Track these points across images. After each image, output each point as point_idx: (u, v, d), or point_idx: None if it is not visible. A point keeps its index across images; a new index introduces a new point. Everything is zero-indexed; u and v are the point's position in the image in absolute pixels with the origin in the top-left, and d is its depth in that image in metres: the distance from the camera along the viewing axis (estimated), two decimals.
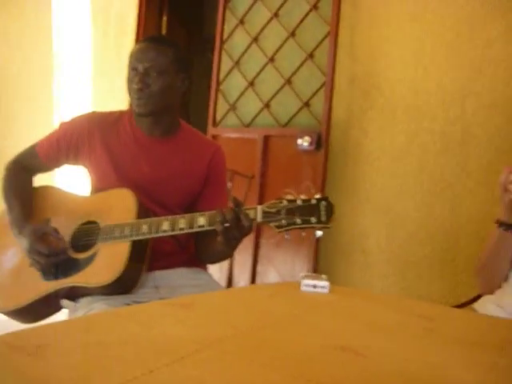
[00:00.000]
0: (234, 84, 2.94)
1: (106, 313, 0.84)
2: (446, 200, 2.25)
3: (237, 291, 1.26)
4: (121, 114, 1.64)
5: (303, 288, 1.11)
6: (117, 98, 3.71)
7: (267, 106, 2.76)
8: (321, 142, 2.47)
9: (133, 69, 1.51)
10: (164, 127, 1.58)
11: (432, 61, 2.30)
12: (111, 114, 1.63)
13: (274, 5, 2.74)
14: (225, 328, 0.78)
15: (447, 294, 2.22)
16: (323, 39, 2.52)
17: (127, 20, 3.75)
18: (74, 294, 1.46)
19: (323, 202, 1.27)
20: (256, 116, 2.81)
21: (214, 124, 2.99)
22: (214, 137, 2.97)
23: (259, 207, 1.30)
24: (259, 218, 1.28)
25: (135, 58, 1.51)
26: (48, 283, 1.46)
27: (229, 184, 2.20)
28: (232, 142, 2.88)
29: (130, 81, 1.52)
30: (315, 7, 2.56)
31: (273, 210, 1.28)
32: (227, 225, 1.28)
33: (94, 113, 1.63)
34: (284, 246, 2.61)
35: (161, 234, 1.39)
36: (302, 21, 2.62)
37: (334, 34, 2.45)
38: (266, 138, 2.72)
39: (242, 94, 2.88)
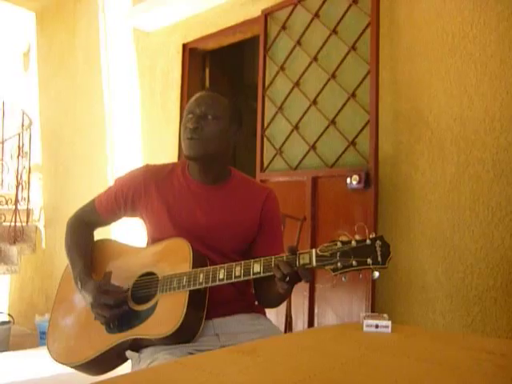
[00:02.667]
0: (278, 128, 3.00)
1: (171, 363, 0.85)
2: (506, 229, 2.18)
3: (298, 335, 1.25)
4: (174, 165, 1.70)
5: (365, 328, 1.10)
6: (166, 151, 3.85)
7: (313, 147, 2.78)
8: (370, 180, 2.46)
9: (189, 112, 1.56)
10: (215, 174, 1.63)
11: (477, 90, 2.28)
12: (165, 166, 1.70)
13: (312, 49, 2.80)
14: (291, 373, 0.78)
15: None
16: (364, 78, 2.54)
17: (172, 75, 3.91)
18: (137, 345, 1.49)
19: (378, 242, 1.26)
20: (303, 158, 2.83)
21: (262, 169, 3.04)
22: (263, 181, 3.01)
23: (313, 251, 1.30)
24: (314, 263, 1.29)
25: (193, 103, 1.57)
26: (112, 336, 1.49)
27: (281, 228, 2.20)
28: (281, 186, 2.91)
29: (184, 125, 1.56)
30: (353, 48, 2.61)
31: (327, 254, 1.28)
32: (287, 279, 1.30)
33: (147, 166, 1.70)
34: (340, 287, 2.58)
35: (218, 283, 1.41)
36: (341, 62, 2.66)
37: (374, 72, 2.47)
38: (315, 180, 2.74)
39: (287, 137, 2.92)
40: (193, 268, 1.46)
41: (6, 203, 4.80)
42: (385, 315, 1.15)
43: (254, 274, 1.36)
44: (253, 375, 0.76)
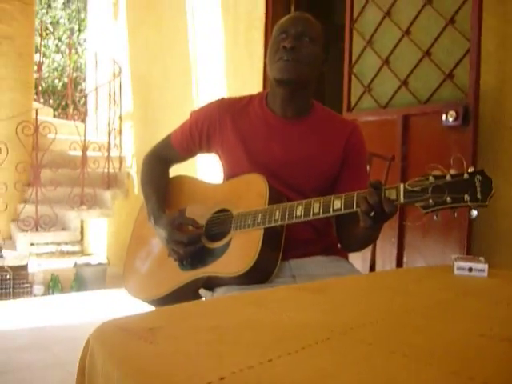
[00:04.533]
0: (367, 64, 2.78)
1: (227, 298, 0.77)
2: None
3: (379, 275, 1.13)
4: (251, 98, 1.59)
5: (457, 271, 0.96)
6: (250, 92, 3.73)
7: (405, 83, 2.55)
8: (468, 116, 2.21)
9: (283, 32, 1.43)
10: (298, 105, 1.50)
11: None
12: (241, 98, 1.60)
13: None
14: (362, 314, 0.67)
15: None
16: (465, 0, 2.25)
17: (256, 14, 3.75)
18: (211, 284, 1.45)
19: (478, 176, 1.08)
20: (394, 95, 2.61)
21: (349, 109, 2.85)
22: None
23: (401, 186, 1.15)
24: (402, 199, 1.14)
25: (288, 22, 1.44)
26: (186, 273, 1.46)
27: (367, 167, 2.05)
28: (369, 126, 2.72)
29: (276, 45, 1.43)
30: None
31: (417, 189, 1.12)
32: (372, 213, 1.16)
33: (223, 99, 1.60)
34: (432, 232, 2.39)
35: (295, 220, 1.31)
36: None
37: None
38: (406, 118, 2.52)
39: (377, 73, 2.71)
40: (269, 205, 1.37)
41: (99, 150, 4.98)
42: (481, 258, 0.99)
43: (334, 210, 1.24)
44: (316, 315, 0.65)
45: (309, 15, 1.48)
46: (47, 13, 9.70)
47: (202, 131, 1.56)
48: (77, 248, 6.46)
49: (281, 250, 1.38)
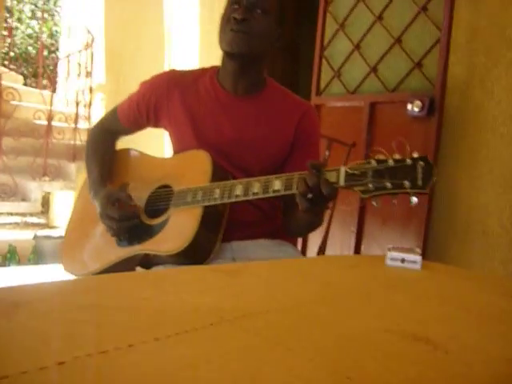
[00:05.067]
0: (339, 49, 2.72)
1: (119, 275, 0.71)
2: None
3: (307, 261, 1.07)
4: (203, 71, 1.51)
5: (388, 262, 0.91)
6: None
7: (374, 70, 2.50)
8: (434, 107, 2.17)
9: (234, 2, 1.33)
10: (250, 82, 1.42)
11: None
12: (192, 72, 1.52)
13: None
14: (266, 301, 0.61)
15: None
16: None
17: None
18: (148, 262, 1.38)
19: (421, 162, 1.04)
20: (362, 81, 2.56)
21: (318, 93, 2.79)
22: (318, 106, 2.77)
23: (342, 168, 1.10)
24: (342, 182, 1.08)
25: None
26: (122, 249, 1.39)
27: (326, 153, 1.99)
28: (336, 111, 2.67)
29: (227, 16, 1.34)
30: None
31: (358, 172, 1.07)
32: (309, 195, 1.10)
33: (173, 71, 1.52)
34: (391, 222, 2.36)
35: (234, 199, 1.24)
36: None
37: None
38: (373, 105, 2.47)
39: (347, 58, 2.65)
40: (210, 183, 1.30)
41: (66, 121, 4.82)
42: (417, 249, 0.94)
43: (274, 191, 1.18)
44: (212, 298, 0.59)
45: None
46: None
47: (149, 104, 1.48)
48: (42, 220, 6.33)
49: (221, 230, 1.32)
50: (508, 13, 2.08)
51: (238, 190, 1.24)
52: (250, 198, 1.22)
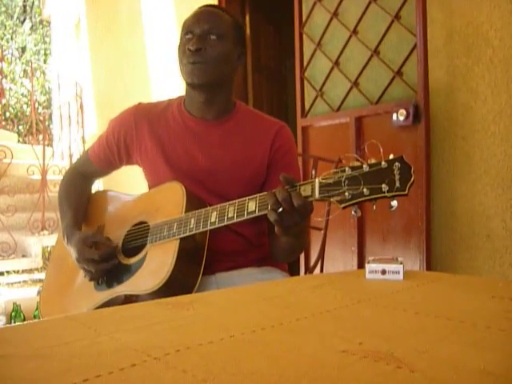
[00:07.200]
0: (318, 68, 2.68)
1: (61, 319, 0.63)
2: None
3: (276, 283, 0.99)
4: (169, 102, 1.47)
5: (368, 275, 0.83)
6: None
7: (356, 84, 2.45)
8: (419, 114, 2.11)
9: (188, 32, 1.29)
10: (218, 107, 1.37)
11: None
12: (159, 103, 1.47)
13: None
14: (211, 332, 0.54)
15: None
16: None
17: None
18: (130, 303, 1.30)
19: (397, 164, 0.97)
20: (345, 97, 2.51)
21: (304, 114, 2.74)
22: (305, 128, 2.73)
23: (316, 180, 1.03)
24: (317, 194, 1.02)
25: (191, 22, 1.30)
26: (101, 293, 1.31)
27: (312, 172, 1.93)
28: (324, 131, 2.62)
29: (182, 48, 1.30)
30: None
31: (332, 181, 1.00)
32: (280, 209, 1.04)
33: (139, 104, 1.47)
34: (391, 238, 2.27)
35: (210, 227, 1.17)
36: None
37: None
38: (358, 120, 2.42)
39: (327, 76, 2.61)
40: (185, 213, 1.24)
41: (60, 173, 4.80)
42: (399, 258, 0.87)
43: (248, 213, 1.11)
44: (150, 334, 0.52)
45: (216, 9, 1.35)
46: (12, 38, 9.57)
47: (119, 140, 1.43)
48: (43, 275, 6.25)
49: (202, 262, 1.25)
50: (482, 10, 2.04)
51: (213, 217, 1.17)
52: (226, 223, 1.15)
